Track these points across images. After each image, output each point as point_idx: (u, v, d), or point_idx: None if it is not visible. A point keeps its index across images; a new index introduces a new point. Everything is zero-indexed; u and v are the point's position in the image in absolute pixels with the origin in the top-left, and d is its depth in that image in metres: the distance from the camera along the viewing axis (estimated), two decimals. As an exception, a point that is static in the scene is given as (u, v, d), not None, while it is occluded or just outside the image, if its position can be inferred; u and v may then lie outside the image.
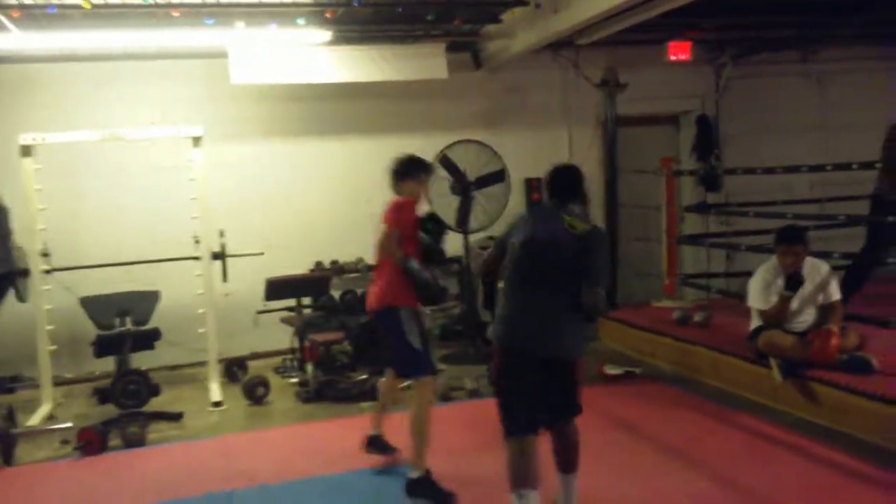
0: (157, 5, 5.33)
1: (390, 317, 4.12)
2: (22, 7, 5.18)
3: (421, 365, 4.13)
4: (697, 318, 6.45)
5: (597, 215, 8.14)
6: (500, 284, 3.65)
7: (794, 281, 4.99)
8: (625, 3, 5.49)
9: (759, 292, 5.22)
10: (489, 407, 5.44)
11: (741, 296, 5.90)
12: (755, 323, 5.31)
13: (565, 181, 3.63)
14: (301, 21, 5.86)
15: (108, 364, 5.84)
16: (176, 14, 5.44)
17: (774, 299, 5.10)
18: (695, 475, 4.18)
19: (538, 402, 3.48)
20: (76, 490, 4.46)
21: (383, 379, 4.64)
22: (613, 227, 7.50)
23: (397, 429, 4.44)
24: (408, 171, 4.34)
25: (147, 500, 4.22)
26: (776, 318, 5.12)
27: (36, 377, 6.20)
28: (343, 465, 4.52)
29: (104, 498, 4.32)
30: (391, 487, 4.13)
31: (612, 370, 5.99)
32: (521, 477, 3.39)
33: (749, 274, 5.56)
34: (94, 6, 5.19)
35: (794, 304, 5.08)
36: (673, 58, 7.72)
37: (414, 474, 4.02)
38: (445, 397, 5.70)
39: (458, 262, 7.70)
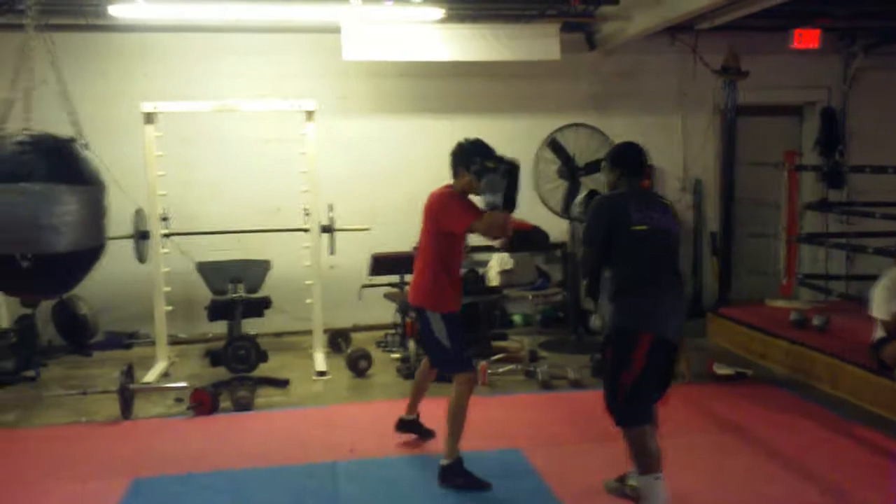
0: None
1: (421, 316, 4.23)
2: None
3: (455, 363, 4.14)
4: (816, 321, 6.15)
5: (710, 208, 7.96)
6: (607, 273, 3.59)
7: None
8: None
9: (883, 301, 4.98)
10: (592, 399, 5.38)
11: (863, 300, 5.59)
12: (880, 333, 5.04)
13: (638, 159, 3.77)
14: (417, -2, 5.84)
15: (220, 327, 6.06)
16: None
17: (898, 309, 4.85)
18: (805, 486, 4.00)
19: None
20: (188, 448, 4.64)
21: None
22: (729, 221, 7.19)
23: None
24: (472, 159, 4.09)
25: (253, 464, 4.36)
26: None
27: (152, 335, 6.50)
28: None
29: (214, 458, 4.48)
30: (489, 469, 4.11)
31: (721, 370, 5.77)
32: (655, 460, 3.44)
33: (872, 278, 5.27)
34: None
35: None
36: (798, 46, 7.33)
37: (444, 462, 4.05)
38: (546, 385, 5.65)
39: (561, 248, 7.62)
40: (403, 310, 6.40)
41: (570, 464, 4.31)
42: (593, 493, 3.92)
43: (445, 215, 4.11)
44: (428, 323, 4.16)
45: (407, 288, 6.73)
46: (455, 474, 4.02)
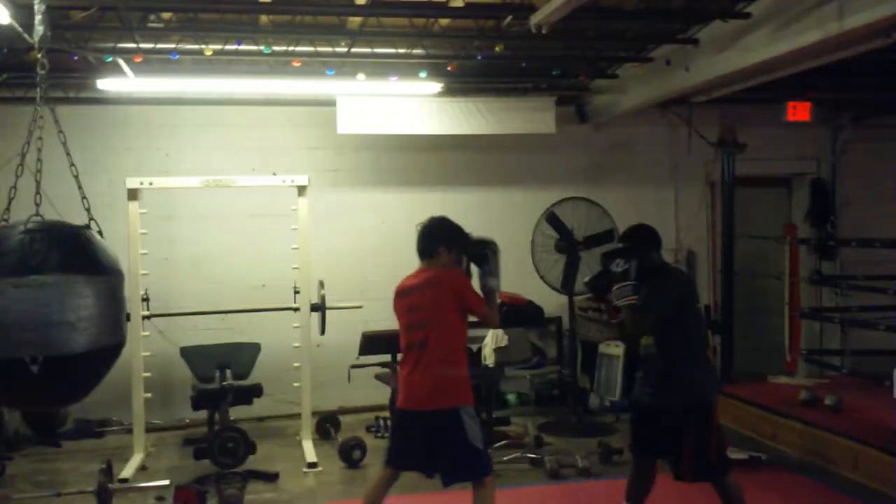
0: (275, 54, 5.21)
1: (452, 419, 3.58)
2: (144, 52, 5.12)
3: (482, 465, 3.63)
4: (828, 400, 5.93)
5: (702, 282, 7.77)
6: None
7: None
8: (762, 63, 5.19)
9: None
10: (605, 490, 5.07)
11: (873, 377, 5.41)
12: (904, 415, 4.84)
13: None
14: (423, 74, 5.68)
15: (200, 412, 5.65)
16: (297, 64, 5.31)
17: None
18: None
19: None
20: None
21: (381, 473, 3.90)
22: (730, 295, 6.99)
23: None
24: (457, 238, 3.92)
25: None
26: None
27: (124, 421, 6.07)
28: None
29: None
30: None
31: (736, 454, 5.49)
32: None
33: (875, 353, 5.07)
34: (215, 53, 5.10)
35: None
36: (792, 118, 7.35)
37: None
38: (555, 475, 5.31)
39: (556, 323, 7.39)
40: (396, 394, 6.05)
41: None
42: None
43: (469, 294, 3.76)
44: (461, 425, 3.55)
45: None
46: None
